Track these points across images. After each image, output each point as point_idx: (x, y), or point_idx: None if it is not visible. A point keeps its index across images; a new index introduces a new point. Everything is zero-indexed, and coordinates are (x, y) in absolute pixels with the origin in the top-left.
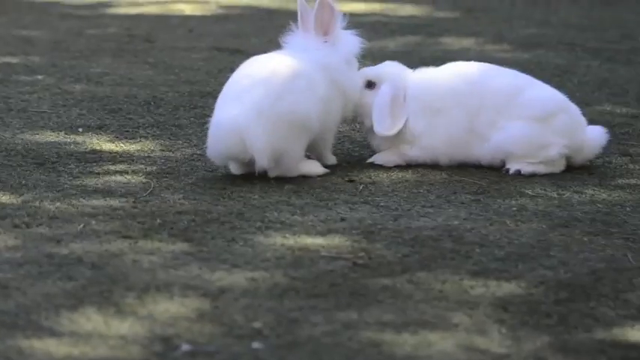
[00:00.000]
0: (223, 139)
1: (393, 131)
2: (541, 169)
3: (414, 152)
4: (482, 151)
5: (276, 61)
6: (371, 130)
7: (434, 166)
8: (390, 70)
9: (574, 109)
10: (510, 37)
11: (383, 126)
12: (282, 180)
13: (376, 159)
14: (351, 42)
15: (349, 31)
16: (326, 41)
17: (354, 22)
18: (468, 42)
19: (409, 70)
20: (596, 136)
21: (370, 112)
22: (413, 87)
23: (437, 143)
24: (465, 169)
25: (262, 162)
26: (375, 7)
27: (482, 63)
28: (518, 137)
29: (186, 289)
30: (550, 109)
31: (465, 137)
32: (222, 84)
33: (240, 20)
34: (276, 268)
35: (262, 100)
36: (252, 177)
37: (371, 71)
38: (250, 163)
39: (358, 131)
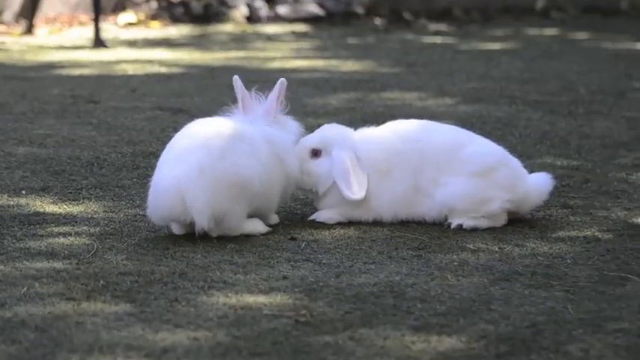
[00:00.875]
0: (163, 199)
1: (363, 193)
2: (483, 223)
3: (357, 211)
4: (427, 208)
5: (220, 123)
6: (322, 196)
7: (376, 223)
8: (334, 134)
9: (514, 162)
10: (452, 91)
11: (352, 190)
12: (224, 239)
13: (318, 216)
14: (293, 125)
15: (289, 117)
16: (271, 122)
17: (297, 79)
18: (410, 97)
19: (351, 131)
20: (540, 183)
21: (321, 181)
22: (359, 149)
23: (383, 204)
24: (407, 224)
25: (202, 223)
26: (318, 63)
27: (421, 120)
28: (460, 193)
29: (129, 349)
30: (490, 164)
31: (410, 196)
32: (164, 143)
33: (182, 79)
34: (219, 328)
35: (204, 159)
36: (195, 236)
37: (314, 139)
38: (191, 223)
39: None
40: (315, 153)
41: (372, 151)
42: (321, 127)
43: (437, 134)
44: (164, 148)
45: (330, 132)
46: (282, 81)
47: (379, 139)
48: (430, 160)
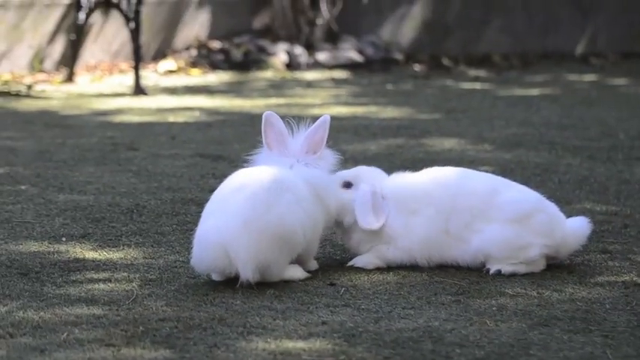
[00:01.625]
0: (208, 252)
1: (377, 225)
2: (521, 268)
3: (392, 253)
4: (460, 252)
5: (264, 173)
6: (349, 229)
7: (414, 268)
8: (367, 171)
9: (551, 208)
10: (491, 137)
11: (367, 220)
12: (263, 284)
13: (356, 262)
14: (331, 158)
15: (327, 149)
16: (312, 159)
17: (337, 125)
18: (449, 143)
19: (384, 174)
20: (578, 227)
21: (348, 210)
22: (389, 188)
23: (413, 244)
24: (445, 269)
25: (247, 275)
26: (357, 110)
27: (458, 168)
28: (497, 240)
29: None
30: (526, 210)
31: (442, 238)
32: (204, 190)
33: (222, 126)
34: None
35: (248, 212)
36: (234, 282)
37: (347, 173)
38: (235, 275)
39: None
40: (347, 185)
41: (399, 190)
42: (358, 167)
43: (471, 180)
44: (206, 196)
45: (365, 170)
46: (325, 118)
47: (409, 180)
48: (462, 205)
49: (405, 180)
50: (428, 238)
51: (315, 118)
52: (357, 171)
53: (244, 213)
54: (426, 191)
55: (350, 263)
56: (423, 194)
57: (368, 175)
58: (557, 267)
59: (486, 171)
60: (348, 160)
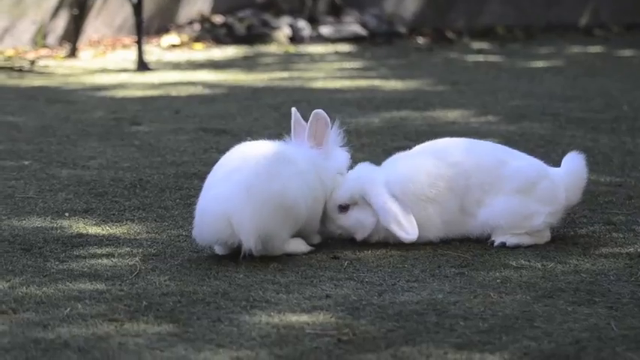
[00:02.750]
0: (210, 222)
1: (417, 231)
2: (526, 240)
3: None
4: (470, 227)
5: (267, 146)
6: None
7: (418, 241)
8: (361, 185)
9: (553, 173)
10: (495, 109)
11: (407, 231)
12: (266, 258)
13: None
14: (341, 157)
15: (340, 147)
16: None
17: (341, 99)
18: (453, 115)
19: (378, 172)
20: (575, 171)
21: (355, 231)
22: (394, 183)
23: (430, 234)
24: (449, 242)
25: (250, 245)
26: (361, 83)
27: (455, 140)
28: (503, 211)
29: None
30: (531, 179)
31: (457, 218)
32: (207, 164)
33: (225, 100)
34: (261, 347)
35: (252, 181)
36: (237, 256)
37: (341, 196)
38: (237, 246)
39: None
40: (343, 208)
41: (406, 183)
42: (347, 178)
43: (477, 155)
44: (209, 170)
45: (356, 184)
46: (314, 113)
47: (410, 171)
48: (475, 183)
49: (404, 173)
50: (446, 222)
51: (319, 91)
52: (348, 188)
53: (248, 182)
54: (438, 175)
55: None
56: (434, 180)
57: (363, 187)
58: (561, 239)
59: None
60: (352, 133)
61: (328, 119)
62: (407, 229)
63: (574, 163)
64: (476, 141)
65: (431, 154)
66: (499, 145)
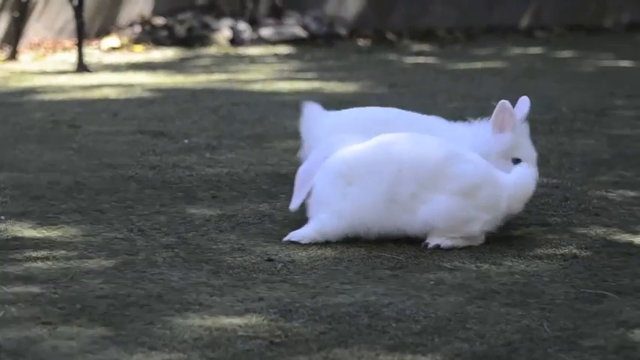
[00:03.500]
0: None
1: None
2: (460, 242)
3: (330, 223)
4: (408, 223)
5: None
6: None
7: (352, 242)
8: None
9: (500, 178)
10: (434, 111)
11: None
12: (201, 261)
13: (292, 236)
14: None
15: None
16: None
17: (280, 101)
18: None
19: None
20: (521, 183)
21: None
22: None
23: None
24: (384, 243)
25: None
26: (301, 85)
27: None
28: (442, 212)
29: None
30: (475, 184)
31: (385, 207)
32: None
33: (164, 103)
34: (193, 350)
35: None
36: (172, 260)
37: None
38: None
39: (279, 210)
40: None
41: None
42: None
43: (422, 148)
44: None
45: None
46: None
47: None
48: (409, 175)
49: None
50: (368, 207)
51: (258, 94)
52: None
53: None
54: (371, 160)
55: (285, 238)
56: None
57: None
58: (496, 240)
59: None
60: (290, 136)
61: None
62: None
63: (523, 174)
64: (431, 138)
65: (374, 142)
66: (454, 145)
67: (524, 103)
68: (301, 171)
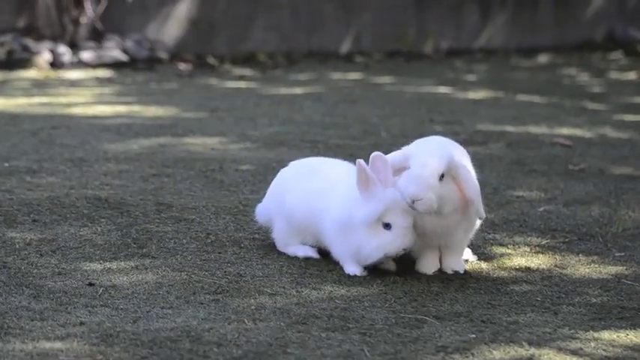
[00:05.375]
0: None
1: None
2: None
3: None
4: None
5: None
6: None
7: (173, 267)
8: None
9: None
10: (254, 135)
11: None
12: (22, 285)
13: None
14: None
15: None
16: None
17: (99, 125)
18: (212, 142)
19: None
20: None
21: None
22: None
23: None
24: (206, 269)
25: None
26: (121, 109)
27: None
28: None
29: None
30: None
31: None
32: None
33: None
34: None
35: None
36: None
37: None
38: None
39: (99, 234)
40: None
41: None
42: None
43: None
44: None
45: None
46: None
47: None
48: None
49: None
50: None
51: (78, 118)
52: None
53: None
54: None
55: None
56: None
57: None
58: (316, 265)
59: (247, 170)
60: (110, 160)
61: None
62: None
63: None
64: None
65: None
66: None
67: (378, 159)
68: None
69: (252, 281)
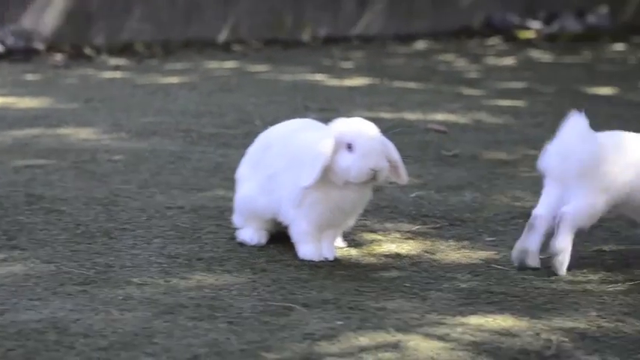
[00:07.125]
0: None
1: None
2: None
3: None
4: None
5: None
6: None
7: (42, 259)
8: None
9: None
10: (127, 125)
11: None
12: None
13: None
14: None
15: None
16: None
17: None
18: (85, 132)
19: None
20: None
21: None
22: None
23: None
24: (76, 259)
25: None
26: None
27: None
28: None
29: None
30: None
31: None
32: None
33: None
34: None
35: None
36: None
37: None
38: None
39: None
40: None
41: None
42: None
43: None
44: None
45: None
46: None
47: None
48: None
49: None
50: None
51: None
52: None
53: None
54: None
55: None
56: None
57: None
58: (184, 255)
59: (119, 160)
60: None
61: None
62: None
63: None
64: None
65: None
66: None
67: None
68: None
69: (121, 271)
